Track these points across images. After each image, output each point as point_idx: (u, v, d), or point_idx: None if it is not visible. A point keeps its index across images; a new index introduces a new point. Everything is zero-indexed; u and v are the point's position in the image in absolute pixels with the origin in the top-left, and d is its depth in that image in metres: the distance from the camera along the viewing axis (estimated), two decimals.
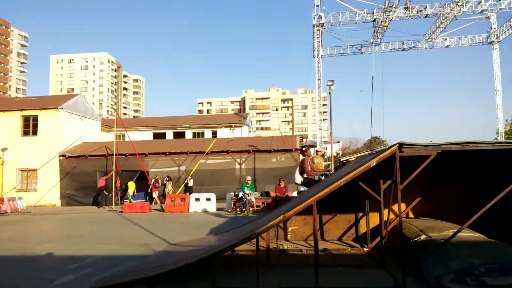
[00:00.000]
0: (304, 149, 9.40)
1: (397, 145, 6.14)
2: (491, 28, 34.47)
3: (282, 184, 16.94)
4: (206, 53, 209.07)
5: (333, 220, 9.21)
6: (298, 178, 8.77)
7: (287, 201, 13.37)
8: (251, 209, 16.31)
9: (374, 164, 6.08)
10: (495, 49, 34.96)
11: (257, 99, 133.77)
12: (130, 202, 19.45)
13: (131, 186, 21.28)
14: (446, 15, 30.35)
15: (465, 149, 6.17)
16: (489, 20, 34.01)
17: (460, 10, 29.73)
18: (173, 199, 18.27)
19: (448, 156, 6.77)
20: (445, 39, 34.81)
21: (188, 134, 35.91)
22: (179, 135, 35.77)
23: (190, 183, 21.21)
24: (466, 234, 6.78)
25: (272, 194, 17.66)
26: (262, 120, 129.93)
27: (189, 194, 19.01)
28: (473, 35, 35.39)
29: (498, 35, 34.19)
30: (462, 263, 5.41)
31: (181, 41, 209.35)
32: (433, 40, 34.26)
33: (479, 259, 5.37)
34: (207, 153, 23.07)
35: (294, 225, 9.19)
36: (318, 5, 31.59)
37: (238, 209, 16.96)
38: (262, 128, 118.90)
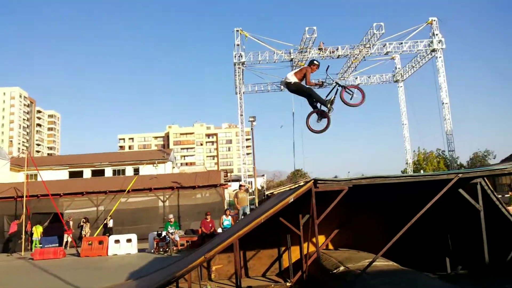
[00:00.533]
0: (315, 62, 8.24)
1: (312, 181, 6.45)
2: (396, 68, 37.90)
3: (209, 218, 16.75)
4: (127, 87, 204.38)
5: (257, 256, 9.27)
6: (292, 78, 8.02)
7: (213, 238, 13.25)
8: (175, 248, 15.83)
9: (292, 200, 6.31)
10: (400, 87, 38.36)
11: (181, 134, 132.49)
12: (36, 247, 18.09)
13: (37, 230, 19.78)
14: (356, 56, 32.88)
15: (374, 183, 6.67)
16: (394, 61, 37.42)
17: (368, 51, 32.38)
18: (90, 242, 17.18)
19: (362, 188, 7.26)
20: (356, 78, 37.51)
21: (108, 171, 34.46)
22: (98, 173, 34.17)
23: (110, 223, 20.16)
24: (381, 263, 7.14)
25: (200, 230, 17.32)
26: (187, 156, 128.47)
27: (109, 235, 18.03)
28: (381, 74, 38.57)
29: (402, 74, 37.61)
30: None
31: (100, 75, 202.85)
32: (345, 78, 36.74)
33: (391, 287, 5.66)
34: (128, 191, 22.20)
35: (218, 263, 9.09)
36: (238, 45, 32.68)
37: (161, 249, 16.38)
38: (186, 164, 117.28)
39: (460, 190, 6.94)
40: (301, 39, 31.24)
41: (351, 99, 7.34)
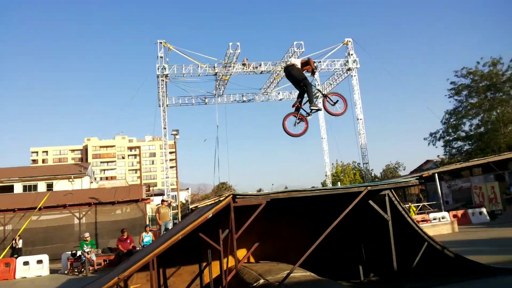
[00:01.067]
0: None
1: (231, 196, 6.53)
2: (315, 85, 39.59)
3: (126, 235, 16.09)
4: (41, 97, 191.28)
5: (178, 272, 9.09)
6: (296, 62, 8.07)
7: (131, 256, 12.74)
8: (91, 268, 14.98)
9: (211, 215, 6.31)
10: (319, 103, 40.05)
11: (101, 147, 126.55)
12: None
13: None
14: (278, 72, 33.91)
15: (290, 196, 6.90)
16: (313, 78, 39.02)
17: None
18: None
19: (281, 202, 7.47)
20: (279, 93, 38.67)
21: (18, 188, 31.90)
22: (6, 189, 31.45)
23: (19, 244, 18.58)
24: (299, 274, 7.36)
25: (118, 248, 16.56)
26: (107, 169, 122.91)
27: (17, 257, 16.61)
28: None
29: (321, 91, 39.38)
30: None
31: (10, 83, 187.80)
32: (268, 93, 37.71)
33: None
34: (40, 209, 20.69)
35: (136, 283, 8.76)
36: (161, 57, 32.19)
37: (76, 270, 15.43)
38: (107, 178, 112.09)
39: (370, 202, 7.39)
40: (225, 54, 31.58)
41: (333, 107, 7.74)
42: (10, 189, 31.60)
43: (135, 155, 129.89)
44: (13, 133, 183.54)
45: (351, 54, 34.52)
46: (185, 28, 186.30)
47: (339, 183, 38.20)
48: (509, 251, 10.41)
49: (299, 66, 8.05)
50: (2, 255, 17.96)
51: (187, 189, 64.42)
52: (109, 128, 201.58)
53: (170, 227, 16.26)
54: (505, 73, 38.11)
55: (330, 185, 35.01)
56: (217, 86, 35.51)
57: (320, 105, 8.24)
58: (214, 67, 33.11)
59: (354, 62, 34.51)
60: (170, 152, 36.96)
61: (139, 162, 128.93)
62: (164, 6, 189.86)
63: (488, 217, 21.66)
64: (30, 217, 20.05)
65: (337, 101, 7.98)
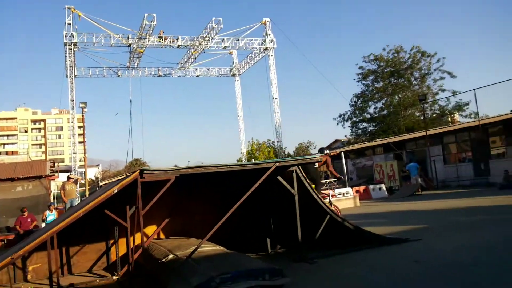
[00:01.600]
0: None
1: (138, 171, 6.36)
2: (233, 63, 39.65)
3: (26, 214, 15.03)
4: None
5: (82, 251, 8.72)
6: None
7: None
8: None
9: (116, 191, 6.11)
10: (237, 80, 40.34)
11: (0, 119, 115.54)
12: None
13: None
14: (196, 47, 33.33)
15: (201, 172, 6.90)
16: (231, 56, 39.06)
17: (207, 44, 33.12)
18: None
19: (192, 177, 7.43)
20: (196, 69, 38.15)
21: None
22: None
23: None
24: (209, 248, 7.45)
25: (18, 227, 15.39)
26: (8, 144, 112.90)
27: None
28: (219, 68, 39.91)
29: (239, 69, 39.57)
30: (202, 277, 5.88)
31: None
32: (185, 69, 36.99)
33: (216, 271, 5.94)
34: None
35: (36, 262, 8.25)
36: (70, 24, 29.89)
37: None
38: (7, 153, 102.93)
39: (279, 177, 7.66)
40: (140, 25, 30.19)
41: None
42: None
43: (39, 129, 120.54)
44: None
45: (269, 34, 34.96)
46: None
47: (253, 160, 39.04)
48: (402, 223, 11.50)
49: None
50: None
51: (98, 165, 61.57)
52: (10, 99, 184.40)
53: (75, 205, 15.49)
54: (406, 61, 41.34)
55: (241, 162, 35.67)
56: (131, 58, 34.00)
57: None
58: (128, 38, 31.56)
59: (271, 42, 35.02)
60: (79, 127, 34.89)
61: (44, 137, 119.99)
62: None
63: (386, 193, 23.63)
64: None
65: None
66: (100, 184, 32.17)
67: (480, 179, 22.77)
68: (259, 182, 7.24)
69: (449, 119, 40.85)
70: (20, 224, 14.73)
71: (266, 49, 35.11)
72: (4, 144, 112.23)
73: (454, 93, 37.80)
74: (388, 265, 6.86)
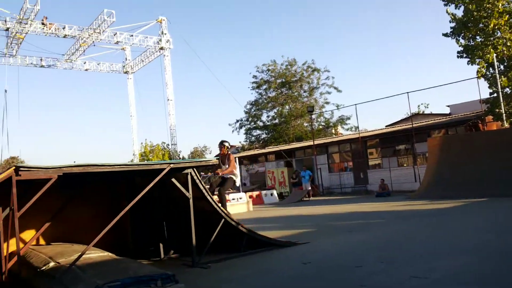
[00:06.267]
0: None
1: (14, 168, 5.71)
2: (126, 59, 37.97)
3: None
4: None
5: None
6: None
7: None
8: None
9: None
10: (130, 79, 38.74)
11: None
12: None
13: None
14: (84, 39, 31.24)
15: (87, 171, 6.40)
16: (124, 52, 37.38)
17: (98, 37, 31.26)
18: None
19: (78, 177, 6.85)
20: (85, 63, 35.73)
21: None
22: None
23: None
24: (96, 254, 6.94)
25: None
26: None
27: None
28: (111, 63, 37.90)
29: (132, 66, 38.02)
30: (87, 285, 5.45)
31: None
32: (72, 61, 34.43)
33: (104, 278, 5.52)
34: None
35: None
36: None
37: None
38: None
39: (173, 179, 7.45)
40: (21, 8, 27.37)
41: None
42: None
43: None
44: None
45: (165, 34, 34.22)
46: None
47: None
48: (293, 227, 12.06)
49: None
50: None
51: None
52: None
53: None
54: (297, 73, 43.75)
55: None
56: (8, 44, 30.56)
57: None
58: (5, 21, 28.37)
59: (167, 42, 34.32)
60: None
61: None
62: None
63: (277, 198, 24.59)
64: None
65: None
66: None
67: (360, 187, 24.97)
68: (151, 184, 6.96)
69: (333, 130, 44.09)
70: None
71: (161, 48, 34.29)
72: None
73: (338, 106, 40.95)
74: (278, 267, 7.08)
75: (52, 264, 6.72)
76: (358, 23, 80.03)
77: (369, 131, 30.32)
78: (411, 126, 22.92)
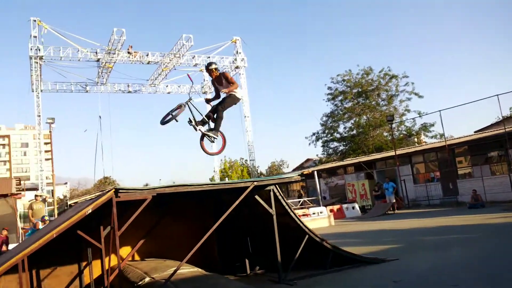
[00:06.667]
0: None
1: (113, 190, 6.18)
2: (204, 80, 39.61)
3: (5, 233, 14.62)
4: None
5: (54, 274, 8.32)
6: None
7: None
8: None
9: (90, 211, 5.89)
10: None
11: None
12: None
13: None
14: (166, 64, 33.16)
15: (178, 191, 6.77)
16: (202, 73, 39.06)
17: (178, 61, 33.04)
18: None
19: (168, 196, 7.27)
20: (167, 86, 37.78)
21: None
22: None
23: None
24: (187, 270, 7.25)
25: None
26: None
27: None
28: (191, 85, 39.65)
29: (210, 86, 39.49)
30: None
31: None
32: (156, 86, 36.65)
33: None
34: None
35: (5, 286, 7.81)
36: (35, 36, 29.21)
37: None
38: None
39: (256, 197, 7.59)
40: (109, 40, 29.85)
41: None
42: None
43: (3, 145, 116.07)
44: None
45: (239, 53, 35.24)
46: (65, 7, 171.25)
47: (227, 179, 38.78)
48: (378, 242, 11.62)
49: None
50: None
51: (66, 183, 59.68)
52: None
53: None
54: (374, 82, 42.48)
55: (218, 181, 35.38)
56: (100, 74, 33.40)
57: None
58: (96, 52, 31.02)
59: (242, 60, 35.29)
60: (46, 143, 33.80)
61: (9, 153, 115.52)
62: None
63: (359, 212, 23.90)
64: None
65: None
66: (69, 203, 31.10)
67: (449, 198, 23.41)
68: (237, 202, 7.15)
69: (416, 139, 41.99)
70: None
71: (237, 67, 35.35)
72: None
73: (420, 114, 39.00)
74: (367, 285, 6.86)
75: (147, 279, 7.14)
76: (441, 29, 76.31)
77: (456, 138, 28.44)
78: (503, 130, 21.13)
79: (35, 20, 29.10)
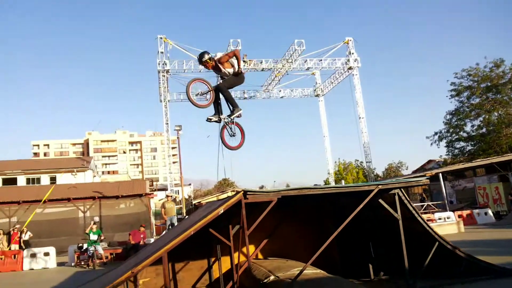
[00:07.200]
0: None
1: (242, 192, 6.54)
2: (316, 83, 39.63)
3: (142, 229, 16.39)
4: (41, 91, 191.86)
5: (186, 267, 9.11)
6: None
7: (137, 250, 12.77)
8: (98, 261, 15.00)
9: (222, 211, 6.32)
10: (321, 101, 40.16)
11: (102, 141, 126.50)
12: None
13: None
14: (279, 69, 33.94)
15: (301, 194, 6.91)
16: (314, 76, 39.12)
17: (290, 66, 33.58)
18: (1, 257, 15.73)
19: (289, 199, 7.47)
20: (280, 91, 38.68)
21: (21, 180, 31.95)
22: (10, 181, 31.50)
23: (25, 236, 18.60)
24: (310, 271, 7.33)
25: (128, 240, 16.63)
26: (109, 164, 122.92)
27: (23, 249, 16.69)
28: (303, 88, 40.01)
29: (322, 89, 39.40)
30: None
31: (10, 76, 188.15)
32: (269, 91, 37.70)
33: None
34: (45, 202, 20.73)
35: (145, 277, 8.79)
36: (162, 52, 32.22)
37: (82, 263, 15.48)
38: (109, 172, 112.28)
39: (380, 200, 7.38)
40: (226, 50, 31.59)
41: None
42: (13, 181, 31.65)
43: (136, 150, 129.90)
44: (13, 126, 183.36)
45: (352, 53, 34.57)
46: (186, 23, 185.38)
47: (342, 181, 38.24)
48: None
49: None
50: (8, 247, 17.98)
51: (189, 184, 64.43)
52: (109, 123, 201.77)
53: (175, 222, 16.33)
54: (506, 75, 37.96)
55: (333, 183, 35.04)
56: (218, 82, 35.51)
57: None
58: None
59: (355, 61, 34.57)
60: (172, 148, 36.97)
61: (141, 157, 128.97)
62: (166, 3, 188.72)
63: (493, 218, 21.64)
64: (35, 210, 20.09)
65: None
66: (193, 202, 33.62)
67: None
68: (361, 205, 7.04)
69: None
70: (132, 237, 16.01)
71: (350, 68, 34.70)
72: (106, 164, 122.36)
73: None
74: None
75: (272, 277, 7.39)
76: None
77: None
78: None
79: (161, 38, 32.18)
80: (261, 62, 34.01)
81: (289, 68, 34.01)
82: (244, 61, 33.38)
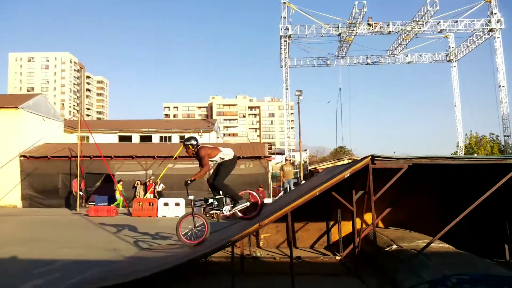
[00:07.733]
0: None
1: (370, 157, 6.37)
2: (449, 47, 36.14)
3: (261, 189, 17.35)
4: (173, 57, 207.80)
5: (305, 228, 9.36)
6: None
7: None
8: (221, 215, 16.17)
9: (348, 175, 6.27)
10: (454, 67, 36.65)
11: (224, 105, 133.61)
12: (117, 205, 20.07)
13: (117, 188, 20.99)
14: (407, 33, 31.64)
15: (435, 163, 6.49)
16: (447, 40, 35.66)
17: (420, 29, 31.06)
18: (140, 203, 17.99)
19: (418, 168, 7.09)
20: (407, 56, 36.20)
21: (155, 138, 35.44)
22: (146, 138, 35.22)
23: (159, 187, 20.90)
24: (436, 245, 6.99)
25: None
26: (230, 127, 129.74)
27: (158, 198, 18.79)
28: (433, 53, 36.94)
29: (456, 54, 35.84)
30: (435, 273, 5.54)
31: (148, 43, 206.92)
32: (395, 56, 35.51)
33: (451, 270, 5.50)
34: (176, 158, 22.80)
35: (267, 232, 9.28)
36: (285, 17, 32.18)
37: (207, 215, 16.88)
38: (229, 135, 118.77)
39: None
40: (350, 13, 30.35)
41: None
42: (149, 138, 35.27)
43: (255, 115, 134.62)
44: (149, 90, 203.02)
45: (495, 13, 30.55)
46: None
47: (475, 155, 34.99)
48: None
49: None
50: (145, 196, 20.36)
51: (305, 150, 65.10)
52: (231, 88, 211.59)
53: (292, 185, 16.75)
54: None
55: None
56: (340, 48, 34.54)
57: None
58: (338, 27, 32.18)
59: (498, 22, 30.56)
60: (291, 113, 37.39)
61: (259, 122, 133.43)
62: None
63: None
64: (167, 165, 22.21)
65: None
66: (309, 168, 34.00)
67: None
68: (504, 180, 6.37)
69: None
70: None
71: (491, 30, 30.85)
72: (227, 127, 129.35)
73: None
74: None
75: (394, 246, 7.23)
76: None
77: None
78: None
79: (284, 2, 32.09)
80: (387, 25, 32.10)
81: (419, 31, 31.59)
82: (369, 24, 31.85)
